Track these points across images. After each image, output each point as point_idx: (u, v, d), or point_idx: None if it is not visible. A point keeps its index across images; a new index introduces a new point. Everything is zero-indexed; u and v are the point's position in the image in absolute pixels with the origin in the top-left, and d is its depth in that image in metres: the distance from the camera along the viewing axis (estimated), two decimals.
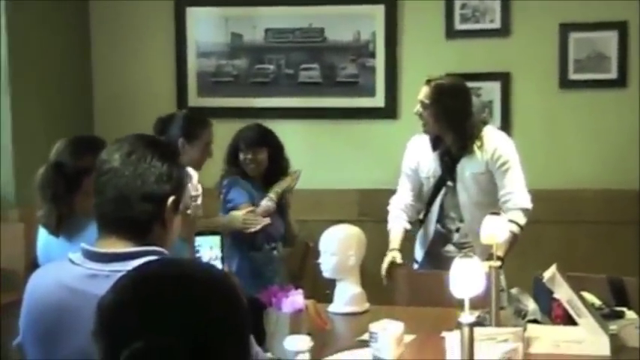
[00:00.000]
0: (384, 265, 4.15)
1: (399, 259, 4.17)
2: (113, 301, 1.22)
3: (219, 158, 4.65)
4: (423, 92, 4.20)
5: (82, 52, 5.73)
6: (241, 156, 4.62)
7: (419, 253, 4.42)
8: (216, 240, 2.84)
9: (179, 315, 1.17)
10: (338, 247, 3.80)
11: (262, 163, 4.63)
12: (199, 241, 2.84)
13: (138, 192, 2.07)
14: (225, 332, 1.20)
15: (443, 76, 4.32)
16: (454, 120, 4.17)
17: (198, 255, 2.83)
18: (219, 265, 2.78)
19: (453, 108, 4.16)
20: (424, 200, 4.35)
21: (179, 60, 5.73)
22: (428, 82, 4.22)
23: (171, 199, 2.11)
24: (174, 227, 2.15)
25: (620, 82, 5.26)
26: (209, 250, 2.84)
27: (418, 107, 4.21)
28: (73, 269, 2.02)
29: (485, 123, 4.37)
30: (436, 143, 4.26)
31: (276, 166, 4.66)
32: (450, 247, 4.31)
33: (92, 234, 2.20)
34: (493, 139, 4.22)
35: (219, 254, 2.81)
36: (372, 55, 5.54)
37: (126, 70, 5.75)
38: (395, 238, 4.27)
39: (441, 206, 4.31)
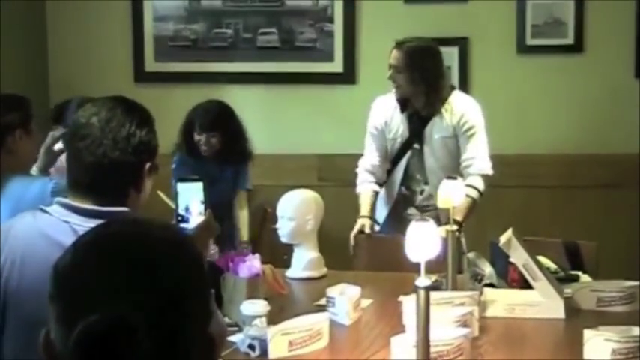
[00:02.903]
0: (353, 233, 4.14)
1: (367, 229, 4.17)
2: (70, 262, 1.16)
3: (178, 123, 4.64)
4: (395, 56, 4.16)
5: (36, 14, 5.64)
6: (195, 136, 4.58)
7: (381, 213, 4.41)
8: (198, 187, 2.79)
9: (138, 279, 1.12)
10: (295, 211, 3.79)
11: (215, 146, 4.58)
12: (181, 188, 2.79)
13: (115, 162, 2.07)
14: (186, 300, 1.15)
15: (411, 39, 4.27)
16: (428, 82, 4.15)
17: (184, 205, 2.78)
18: (202, 215, 2.75)
19: (428, 70, 4.15)
20: (389, 161, 4.34)
21: (136, 24, 5.65)
22: (398, 45, 4.18)
23: (147, 166, 2.12)
24: (147, 190, 2.18)
25: (577, 47, 5.28)
26: (197, 202, 2.79)
27: (390, 72, 4.18)
28: (63, 226, 2.01)
29: (453, 87, 4.37)
30: (404, 105, 4.25)
31: (232, 148, 4.62)
32: (412, 210, 4.31)
33: (12, 193, 2.17)
34: (461, 104, 4.22)
35: (203, 204, 2.77)
36: (331, 19, 5.51)
37: (82, 33, 5.66)
38: (364, 203, 4.26)
39: (406, 168, 4.31)
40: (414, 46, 4.16)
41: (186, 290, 1.15)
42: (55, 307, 1.15)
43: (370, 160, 4.33)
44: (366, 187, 4.30)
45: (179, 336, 1.13)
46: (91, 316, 1.07)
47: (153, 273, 1.14)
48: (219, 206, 4.56)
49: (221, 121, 4.59)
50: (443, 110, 4.19)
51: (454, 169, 4.10)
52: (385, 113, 4.30)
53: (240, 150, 4.66)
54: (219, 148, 4.59)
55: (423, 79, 4.14)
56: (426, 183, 4.29)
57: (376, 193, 4.32)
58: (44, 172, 3.50)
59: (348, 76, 5.49)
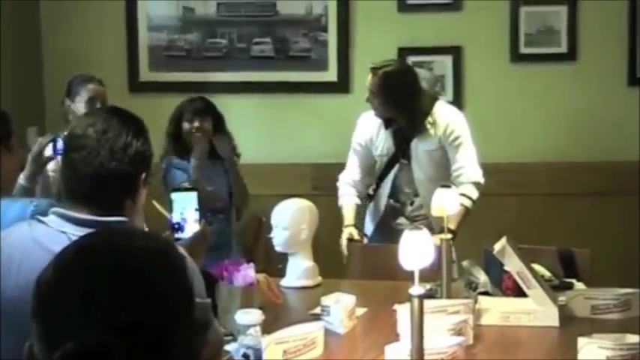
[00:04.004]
0: (343, 243, 4.16)
1: (356, 235, 4.19)
2: (51, 278, 1.13)
3: None
4: (370, 81, 4.19)
5: (31, 24, 5.64)
6: (186, 126, 4.56)
7: (369, 227, 4.44)
8: (192, 197, 2.78)
9: (118, 298, 1.08)
10: (290, 221, 3.80)
11: (208, 132, 4.57)
12: (175, 198, 2.78)
13: (112, 172, 2.09)
14: (170, 316, 1.11)
15: (387, 62, 4.28)
16: (405, 105, 4.18)
17: (179, 214, 2.77)
18: (198, 224, 2.74)
19: (403, 94, 4.17)
20: (375, 176, 4.36)
21: (130, 34, 5.65)
22: (373, 70, 4.20)
23: (143, 176, 2.13)
24: (142, 199, 2.20)
25: (570, 55, 5.30)
26: (192, 210, 2.78)
27: (367, 95, 4.21)
28: (59, 236, 2.01)
29: (435, 99, 4.37)
30: (388, 121, 4.27)
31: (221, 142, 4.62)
32: (402, 220, 4.33)
33: None
34: (445, 115, 4.24)
35: (198, 213, 2.76)
36: (325, 29, 5.52)
37: (76, 44, 5.66)
38: (348, 214, 4.29)
39: (394, 182, 4.33)
40: (388, 72, 4.16)
41: (170, 306, 1.12)
42: (35, 324, 1.12)
43: (351, 175, 4.36)
44: (347, 199, 4.33)
45: (162, 355, 1.10)
46: (70, 339, 1.04)
47: (134, 290, 1.10)
48: (218, 209, 4.62)
49: (209, 105, 4.64)
50: (427, 124, 4.21)
51: (443, 180, 4.10)
52: (370, 130, 4.32)
53: (229, 143, 4.67)
54: (210, 142, 4.58)
55: (399, 102, 4.17)
56: (416, 195, 4.31)
57: (357, 206, 4.33)
58: (31, 179, 3.47)
59: (342, 85, 5.50)
